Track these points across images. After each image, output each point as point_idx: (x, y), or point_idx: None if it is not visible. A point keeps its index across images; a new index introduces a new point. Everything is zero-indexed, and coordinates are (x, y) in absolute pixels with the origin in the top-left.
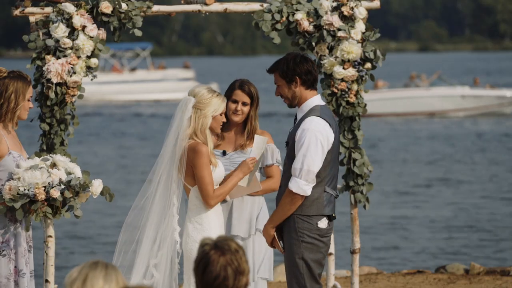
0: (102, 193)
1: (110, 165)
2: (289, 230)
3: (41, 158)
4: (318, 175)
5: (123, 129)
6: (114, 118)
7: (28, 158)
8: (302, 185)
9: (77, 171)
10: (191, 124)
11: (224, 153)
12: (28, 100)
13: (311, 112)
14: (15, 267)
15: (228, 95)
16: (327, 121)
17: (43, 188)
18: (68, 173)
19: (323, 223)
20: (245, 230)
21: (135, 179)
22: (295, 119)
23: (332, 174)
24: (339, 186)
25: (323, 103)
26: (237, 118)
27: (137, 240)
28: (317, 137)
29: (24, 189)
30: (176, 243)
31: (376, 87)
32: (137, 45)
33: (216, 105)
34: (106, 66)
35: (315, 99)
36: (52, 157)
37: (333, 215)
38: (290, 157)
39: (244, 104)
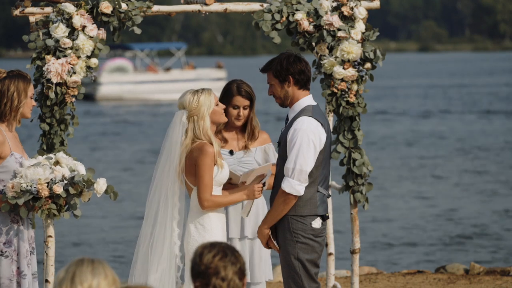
0: (106, 191)
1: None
2: (284, 231)
3: (44, 156)
4: (310, 175)
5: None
6: (150, 117)
7: (31, 158)
8: (295, 185)
9: (80, 169)
10: (189, 134)
11: (231, 152)
12: (31, 98)
13: (303, 112)
14: (18, 268)
15: (228, 100)
16: (319, 121)
17: (46, 185)
18: (72, 171)
19: (317, 223)
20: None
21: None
22: (287, 119)
23: (324, 174)
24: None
25: (314, 103)
26: (240, 123)
27: (147, 250)
28: (309, 137)
29: (27, 186)
30: (176, 257)
31: None
32: (172, 45)
33: (208, 102)
34: (142, 65)
35: (307, 99)
36: (55, 155)
37: (326, 215)
38: (282, 157)
39: (245, 108)
